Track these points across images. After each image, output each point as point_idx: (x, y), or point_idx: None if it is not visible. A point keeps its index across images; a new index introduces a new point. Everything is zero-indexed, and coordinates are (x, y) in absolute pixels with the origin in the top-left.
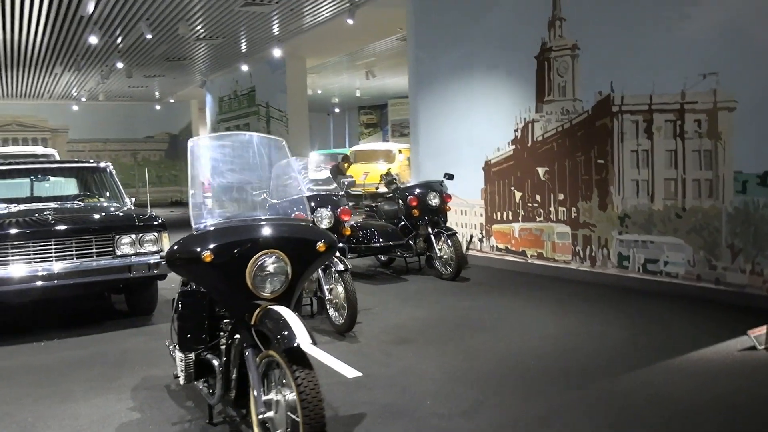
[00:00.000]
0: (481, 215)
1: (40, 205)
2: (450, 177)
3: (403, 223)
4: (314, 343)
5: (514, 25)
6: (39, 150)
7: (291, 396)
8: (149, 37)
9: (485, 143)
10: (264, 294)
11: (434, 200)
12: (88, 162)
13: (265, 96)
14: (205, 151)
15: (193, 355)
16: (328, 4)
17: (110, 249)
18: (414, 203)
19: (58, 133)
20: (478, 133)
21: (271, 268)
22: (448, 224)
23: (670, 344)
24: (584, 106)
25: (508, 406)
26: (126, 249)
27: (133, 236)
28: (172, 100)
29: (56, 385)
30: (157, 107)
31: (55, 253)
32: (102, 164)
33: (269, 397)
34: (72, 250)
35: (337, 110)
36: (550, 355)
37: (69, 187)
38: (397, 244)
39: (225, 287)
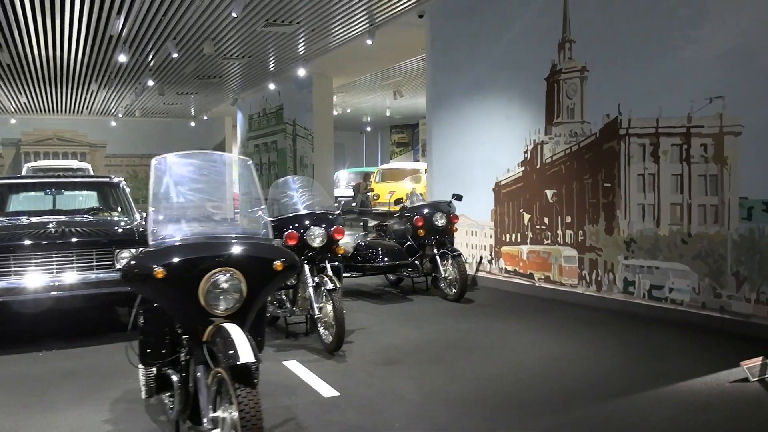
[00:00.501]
0: (491, 237)
1: (52, 218)
2: (459, 198)
3: (409, 242)
4: (257, 362)
5: (526, 47)
6: (74, 164)
7: (234, 414)
8: (175, 56)
9: (496, 164)
10: (218, 311)
11: (440, 221)
12: (103, 177)
13: (292, 114)
14: (172, 168)
15: (154, 370)
16: (349, 24)
17: (110, 262)
18: (420, 223)
19: (96, 147)
20: (489, 155)
21: (224, 286)
22: (456, 245)
23: (662, 372)
24: (592, 128)
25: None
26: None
27: (133, 251)
28: (205, 117)
29: (43, 395)
30: (192, 124)
31: (56, 265)
32: (115, 179)
33: (216, 414)
34: (72, 263)
35: (368, 129)
36: (537, 379)
37: (89, 200)
38: (401, 264)
39: (178, 304)
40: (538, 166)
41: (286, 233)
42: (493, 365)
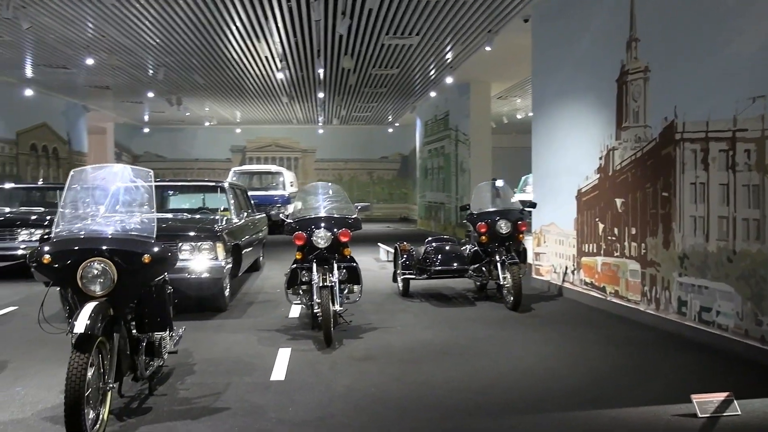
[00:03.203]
0: (573, 246)
1: (161, 216)
2: (532, 205)
3: (476, 248)
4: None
5: (602, 48)
6: (273, 168)
7: None
8: (320, 71)
9: (577, 171)
10: (96, 293)
11: (504, 228)
12: (209, 181)
13: (455, 120)
14: (85, 176)
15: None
16: (467, 32)
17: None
18: (483, 230)
19: (307, 153)
20: (571, 161)
21: (95, 272)
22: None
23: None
24: (653, 133)
25: None
26: (186, 255)
27: (192, 244)
28: (397, 124)
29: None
30: (390, 130)
31: None
32: (218, 183)
33: None
34: None
35: None
36: (509, 392)
37: (209, 201)
38: (459, 269)
39: (64, 284)
40: (610, 173)
41: (294, 234)
42: (479, 375)
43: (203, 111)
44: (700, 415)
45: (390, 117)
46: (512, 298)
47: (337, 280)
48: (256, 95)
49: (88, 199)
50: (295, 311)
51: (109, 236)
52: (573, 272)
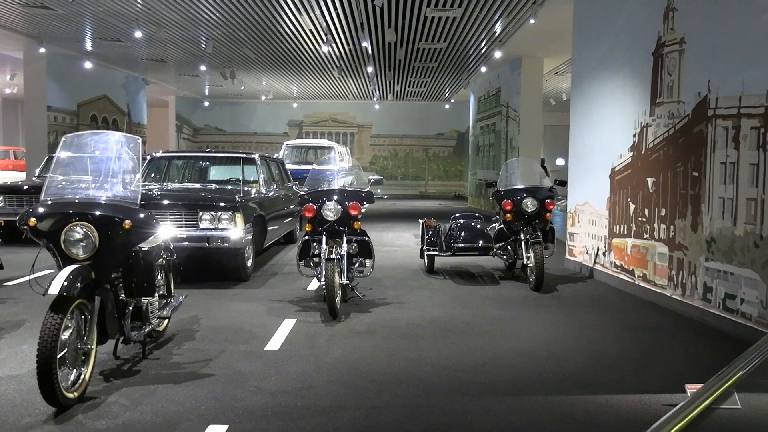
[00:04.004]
0: (605, 227)
1: (190, 186)
2: (562, 183)
3: (501, 226)
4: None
5: (639, 19)
6: (325, 143)
7: None
8: (365, 45)
9: (612, 149)
10: (79, 257)
11: (531, 206)
12: (242, 153)
13: (507, 96)
14: (76, 143)
15: None
16: (515, 3)
17: (195, 223)
18: (508, 207)
19: (363, 128)
20: (606, 139)
21: (77, 236)
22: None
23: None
24: (685, 109)
25: (355, 410)
26: (206, 224)
27: (212, 214)
28: (453, 100)
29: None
30: (446, 106)
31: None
32: (251, 155)
33: None
34: (167, 222)
35: None
36: (498, 372)
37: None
38: (482, 247)
39: (49, 246)
40: (643, 152)
41: (304, 206)
42: (474, 353)
43: (260, 85)
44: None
45: (447, 93)
46: (534, 278)
47: (345, 253)
48: (306, 69)
49: (78, 164)
50: (315, 284)
51: (92, 201)
52: (604, 254)
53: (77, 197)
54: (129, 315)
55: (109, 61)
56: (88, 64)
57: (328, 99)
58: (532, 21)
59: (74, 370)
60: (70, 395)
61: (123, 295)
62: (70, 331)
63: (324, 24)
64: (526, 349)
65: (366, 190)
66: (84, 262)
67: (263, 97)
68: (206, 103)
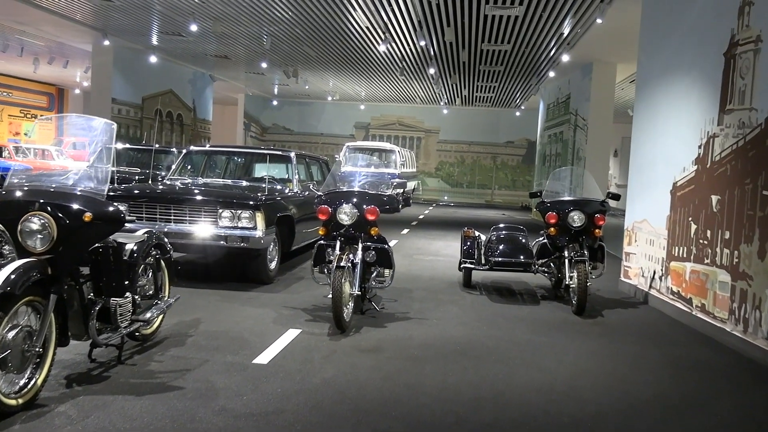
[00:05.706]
0: (663, 248)
1: (216, 182)
2: (615, 197)
3: (544, 241)
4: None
5: (711, 16)
6: (386, 146)
7: None
8: (423, 44)
9: (674, 161)
10: (36, 249)
11: (577, 221)
12: (279, 150)
13: (576, 104)
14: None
15: None
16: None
17: (214, 220)
18: (552, 221)
19: (430, 133)
20: (669, 150)
21: (33, 226)
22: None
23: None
24: (758, 117)
25: None
26: (226, 222)
27: (232, 212)
28: (523, 107)
29: None
30: (517, 114)
31: (174, 217)
32: (287, 153)
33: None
34: (185, 217)
35: None
36: (503, 410)
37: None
38: (521, 263)
39: (10, 237)
40: (708, 165)
41: (319, 207)
42: (471, 380)
43: (326, 85)
44: None
45: (518, 99)
46: (576, 301)
47: (360, 261)
48: (367, 69)
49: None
50: None
51: (55, 190)
52: (660, 278)
53: (35, 185)
54: (94, 316)
55: (175, 56)
56: (153, 59)
57: (394, 102)
58: (599, 20)
59: (22, 375)
60: (11, 402)
61: (92, 294)
62: (16, 331)
63: (381, 21)
64: (546, 384)
65: (388, 193)
66: (42, 255)
67: (330, 98)
68: (275, 102)
